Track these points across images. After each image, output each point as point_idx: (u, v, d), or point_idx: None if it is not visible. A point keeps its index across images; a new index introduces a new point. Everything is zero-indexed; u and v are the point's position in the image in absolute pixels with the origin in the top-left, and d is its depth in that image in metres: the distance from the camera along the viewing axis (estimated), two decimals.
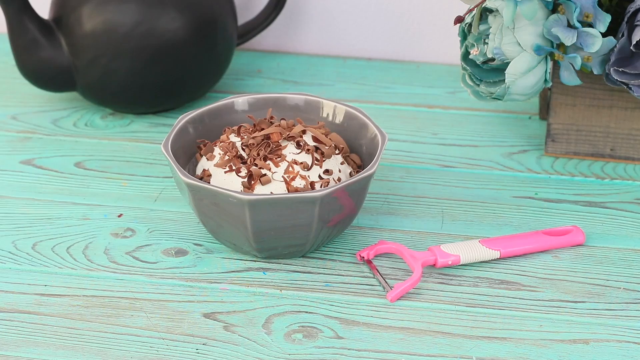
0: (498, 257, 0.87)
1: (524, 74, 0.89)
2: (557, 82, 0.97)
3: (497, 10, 0.89)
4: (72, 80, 1.05)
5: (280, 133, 0.87)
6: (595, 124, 0.99)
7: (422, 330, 0.81)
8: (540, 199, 0.96)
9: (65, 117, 1.08)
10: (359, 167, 0.90)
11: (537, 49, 0.88)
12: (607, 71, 0.90)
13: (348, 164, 0.89)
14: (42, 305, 0.83)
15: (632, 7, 0.88)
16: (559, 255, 0.89)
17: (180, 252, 0.89)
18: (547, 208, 0.94)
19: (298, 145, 0.87)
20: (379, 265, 0.88)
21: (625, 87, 0.90)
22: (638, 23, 0.88)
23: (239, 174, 0.85)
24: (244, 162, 0.86)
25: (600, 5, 0.93)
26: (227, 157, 0.87)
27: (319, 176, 0.86)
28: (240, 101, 0.94)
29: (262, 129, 0.89)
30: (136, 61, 1.02)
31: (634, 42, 0.87)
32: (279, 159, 0.86)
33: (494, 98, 0.92)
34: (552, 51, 0.89)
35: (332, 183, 0.86)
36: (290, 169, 0.85)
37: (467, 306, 0.83)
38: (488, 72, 0.94)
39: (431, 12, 1.18)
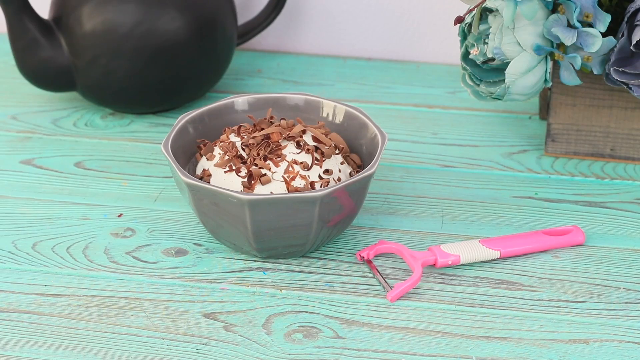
0: (498, 257, 0.87)
1: (524, 74, 0.89)
2: (557, 82, 0.97)
3: (497, 10, 0.89)
4: (72, 80, 1.05)
5: (280, 133, 0.87)
6: (595, 124, 0.99)
7: (422, 330, 0.81)
8: (540, 199, 0.96)
9: (65, 117, 1.08)
10: (359, 167, 0.90)
11: (537, 49, 0.88)
12: (607, 71, 0.90)
13: (348, 164, 0.89)
14: (42, 305, 0.83)
15: (632, 7, 0.88)
16: (559, 255, 0.89)
17: (180, 252, 0.89)
18: (547, 208, 0.94)
19: (298, 145, 0.87)
20: (379, 265, 0.87)
21: (625, 87, 0.90)
22: (638, 23, 0.88)
23: (239, 174, 0.85)
24: (244, 162, 0.86)
25: (600, 5, 0.92)
26: (227, 157, 0.87)
27: (319, 176, 0.86)
28: (240, 101, 0.94)
29: (262, 129, 0.89)
30: (136, 61, 1.02)
31: (634, 42, 0.87)
32: (279, 158, 0.86)
33: (494, 98, 0.92)
34: (552, 51, 0.89)
35: (332, 183, 0.86)
36: (290, 168, 0.85)
37: (467, 306, 0.83)
38: (488, 72, 0.94)
39: (431, 12, 1.18)
